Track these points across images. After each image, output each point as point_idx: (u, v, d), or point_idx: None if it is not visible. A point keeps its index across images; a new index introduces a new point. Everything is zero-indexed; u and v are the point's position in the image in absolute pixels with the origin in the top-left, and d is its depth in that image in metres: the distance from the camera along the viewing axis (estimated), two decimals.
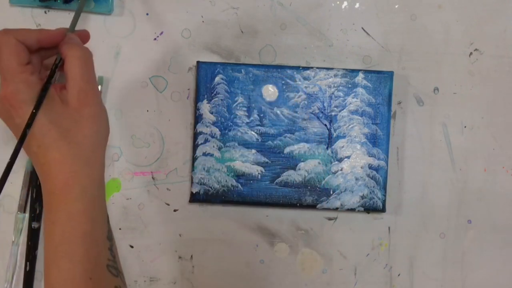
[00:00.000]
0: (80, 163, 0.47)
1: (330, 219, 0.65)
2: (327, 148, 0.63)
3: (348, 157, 0.63)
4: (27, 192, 0.63)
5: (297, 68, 0.63)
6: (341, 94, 0.63)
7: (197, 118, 0.63)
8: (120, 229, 0.64)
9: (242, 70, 0.62)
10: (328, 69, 0.63)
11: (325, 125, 0.63)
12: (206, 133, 0.63)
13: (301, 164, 0.63)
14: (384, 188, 0.62)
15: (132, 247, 0.65)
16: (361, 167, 0.63)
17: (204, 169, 0.63)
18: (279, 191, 0.63)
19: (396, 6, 0.64)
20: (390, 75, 0.62)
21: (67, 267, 0.46)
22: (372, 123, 0.63)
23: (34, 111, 0.46)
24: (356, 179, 0.63)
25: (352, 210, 0.63)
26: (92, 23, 0.63)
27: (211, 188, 0.63)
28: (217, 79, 0.62)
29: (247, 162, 0.63)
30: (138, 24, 0.64)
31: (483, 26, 0.64)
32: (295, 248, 0.65)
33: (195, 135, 0.63)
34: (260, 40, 0.64)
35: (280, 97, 0.63)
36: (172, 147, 0.64)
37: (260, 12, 0.64)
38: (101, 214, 0.49)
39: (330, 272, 0.65)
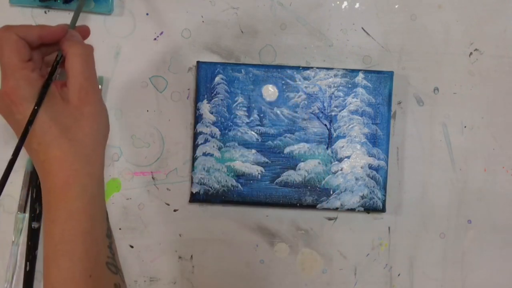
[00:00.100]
0: (81, 161, 0.47)
1: (330, 219, 0.65)
2: (327, 148, 0.63)
3: (348, 157, 0.63)
4: (27, 192, 0.63)
5: (297, 68, 0.63)
6: (341, 94, 0.63)
7: (197, 118, 0.63)
8: (120, 229, 0.64)
9: (242, 70, 0.62)
10: (328, 69, 0.63)
11: (325, 125, 0.63)
12: (206, 133, 0.63)
13: (301, 164, 0.63)
14: (384, 188, 0.62)
15: (132, 247, 0.64)
16: (361, 167, 0.63)
17: (204, 169, 0.63)
18: (279, 191, 0.63)
19: (396, 6, 0.64)
20: (390, 75, 0.62)
21: (67, 266, 0.46)
22: (372, 123, 0.63)
23: (35, 108, 0.46)
24: (356, 179, 0.63)
25: (352, 210, 0.63)
26: (92, 23, 0.63)
27: (211, 188, 0.63)
28: (217, 79, 0.62)
29: (247, 162, 0.63)
30: (138, 24, 0.64)
31: (483, 26, 0.64)
32: (295, 248, 0.65)
33: (195, 135, 0.63)
34: (260, 40, 0.64)
35: (280, 97, 0.63)
36: (172, 147, 0.64)
37: (260, 12, 0.64)
38: (101, 212, 0.49)
39: (330, 272, 0.65)
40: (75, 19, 0.53)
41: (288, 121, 0.63)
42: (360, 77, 0.62)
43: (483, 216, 0.65)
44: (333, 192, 0.63)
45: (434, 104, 0.64)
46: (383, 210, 0.63)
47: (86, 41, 0.53)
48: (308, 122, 0.63)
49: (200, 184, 0.63)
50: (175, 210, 0.64)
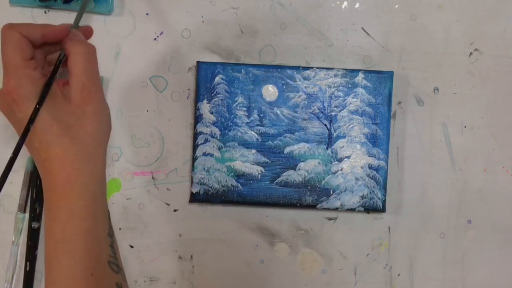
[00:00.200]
0: (82, 159, 0.47)
1: (330, 219, 0.65)
2: (327, 148, 0.63)
3: (348, 157, 0.63)
4: (27, 192, 0.63)
5: (297, 68, 0.63)
6: (341, 94, 0.63)
7: (197, 118, 0.63)
8: (120, 229, 0.64)
9: (242, 70, 0.62)
10: (328, 69, 0.63)
11: (325, 125, 0.63)
12: (206, 133, 0.63)
13: (301, 164, 0.63)
14: (384, 188, 0.62)
15: (132, 247, 0.64)
16: (361, 167, 0.63)
17: (204, 169, 0.63)
18: (279, 191, 0.63)
19: (396, 6, 0.64)
20: (390, 75, 0.63)
21: (68, 264, 0.46)
22: (372, 123, 0.63)
23: (37, 106, 0.46)
24: (356, 179, 0.63)
25: (352, 210, 0.63)
26: (92, 23, 0.63)
27: (211, 188, 0.63)
28: (217, 79, 0.62)
29: (247, 162, 0.63)
30: (138, 24, 0.64)
31: (483, 26, 0.64)
32: (295, 248, 0.65)
33: (195, 135, 0.63)
34: (260, 40, 0.64)
35: (280, 97, 0.63)
36: (172, 147, 0.64)
37: (260, 12, 0.64)
38: (102, 210, 0.49)
39: (330, 272, 0.65)
40: (78, 18, 0.53)
41: (288, 121, 0.63)
42: (360, 77, 0.62)
43: (483, 216, 0.65)
44: (333, 192, 0.63)
45: (434, 104, 0.64)
46: (383, 210, 0.63)
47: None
48: (308, 122, 0.63)
49: (200, 184, 0.63)
50: (175, 210, 0.64)
